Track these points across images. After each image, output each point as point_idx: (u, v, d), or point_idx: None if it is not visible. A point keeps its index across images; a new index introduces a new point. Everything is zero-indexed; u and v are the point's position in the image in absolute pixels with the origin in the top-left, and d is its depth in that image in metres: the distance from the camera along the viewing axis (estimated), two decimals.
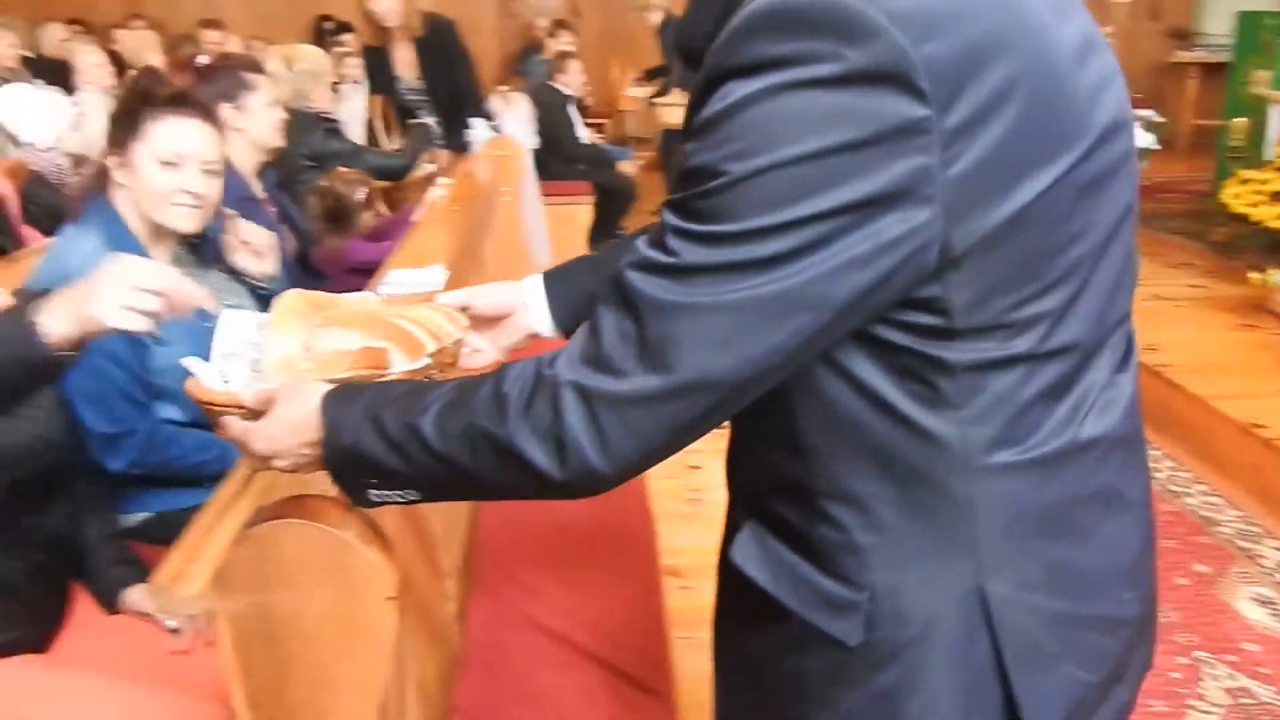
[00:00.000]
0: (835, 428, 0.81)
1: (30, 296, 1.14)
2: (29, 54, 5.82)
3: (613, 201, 5.60)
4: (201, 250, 2.05)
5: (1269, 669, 2.35)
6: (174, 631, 1.57)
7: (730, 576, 0.94)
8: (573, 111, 5.74)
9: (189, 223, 1.85)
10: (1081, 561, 0.84)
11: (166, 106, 1.83)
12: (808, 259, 0.69)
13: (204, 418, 0.96)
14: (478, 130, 4.05)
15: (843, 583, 0.83)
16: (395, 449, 0.82)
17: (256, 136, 2.66)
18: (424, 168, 3.89)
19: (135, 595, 1.61)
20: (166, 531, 1.50)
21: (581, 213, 5.13)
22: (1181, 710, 2.21)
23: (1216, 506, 3.12)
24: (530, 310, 1.14)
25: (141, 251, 1.81)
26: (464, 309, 1.11)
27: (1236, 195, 4.73)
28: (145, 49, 5.32)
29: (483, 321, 1.14)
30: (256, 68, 2.77)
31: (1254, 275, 4.21)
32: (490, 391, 0.79)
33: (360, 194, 3.29)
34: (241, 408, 0.91)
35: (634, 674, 1.60)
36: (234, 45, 6.43)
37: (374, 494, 0.87)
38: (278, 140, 2.74)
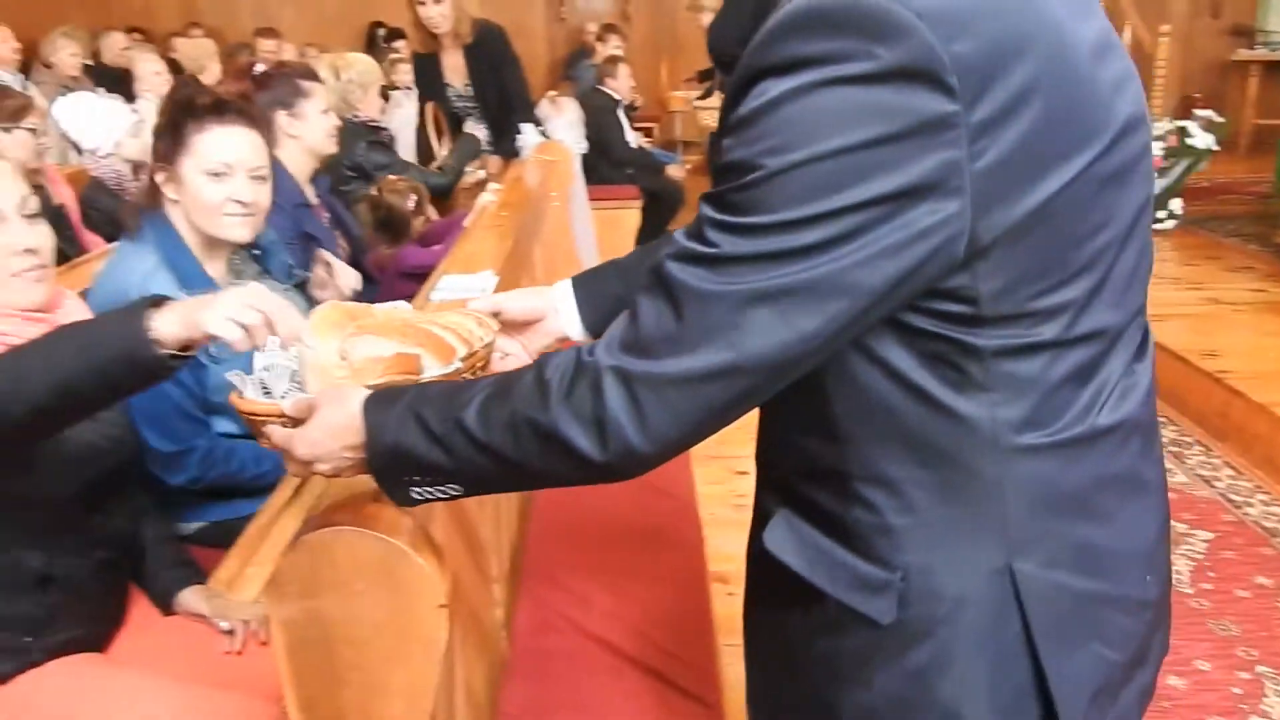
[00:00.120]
0: (868, 412, 0.83)
1: (145, 300, 1.17)
2: (90, 62, 5.97)
3: (661, 206, 5.60)
4: (262, 261, 2.05)
5: None
6: (228, 633, 1.60)
7: (761, 563, 0.96)
8: (621, 116, 5.76)
9: (241, 231, 1.86)
10: (1106, 542, 0.86)
11: (208, 116, 1.82)
12: (842, 248, 0.72)
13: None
14: (527, 135, 4.07)
15: (877, 564, 0.85)
16: (438, 443, 0.85)
17: (311, 143, 2.71)
18: (474, 174, 3.93)
19: (190, 597, 1.64)
20: (222, 537, 1.53)
21: (630, 217, 5.13)
22: None
23: (1279, 517, 3.04)
24: (560, 314, 1.17)
25: (197, 265, 1.84)
26: (495, 314, 1.14)
27: None
28: (203, 57, 5.43)
29: (513, 326, 1.17)
30: (312, 75, 2.82)
31: None
32: (532, 380, 0.82)
33: (410, 202, 3.33)
34: (282, 416, 0.94)
35: (681, 681, 1.60)
36: (289, 53, 6.55)
37: (415, 491, 0.89)
38: (331, 147, 2.78)
